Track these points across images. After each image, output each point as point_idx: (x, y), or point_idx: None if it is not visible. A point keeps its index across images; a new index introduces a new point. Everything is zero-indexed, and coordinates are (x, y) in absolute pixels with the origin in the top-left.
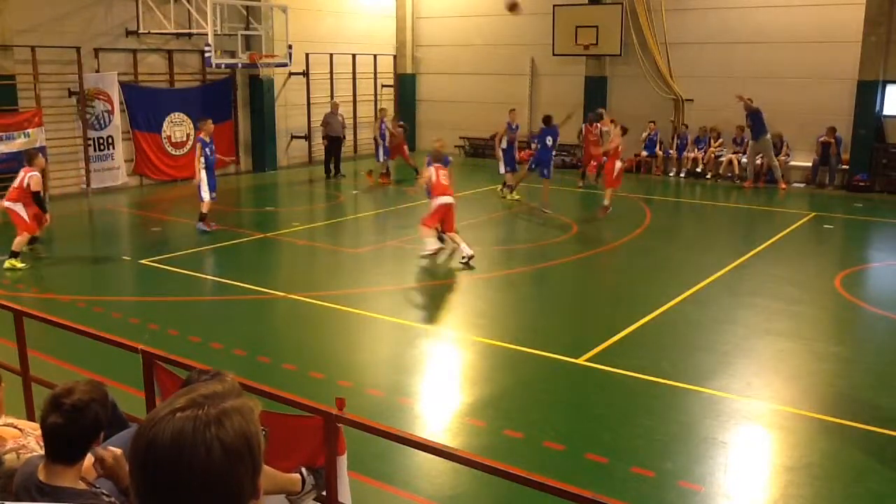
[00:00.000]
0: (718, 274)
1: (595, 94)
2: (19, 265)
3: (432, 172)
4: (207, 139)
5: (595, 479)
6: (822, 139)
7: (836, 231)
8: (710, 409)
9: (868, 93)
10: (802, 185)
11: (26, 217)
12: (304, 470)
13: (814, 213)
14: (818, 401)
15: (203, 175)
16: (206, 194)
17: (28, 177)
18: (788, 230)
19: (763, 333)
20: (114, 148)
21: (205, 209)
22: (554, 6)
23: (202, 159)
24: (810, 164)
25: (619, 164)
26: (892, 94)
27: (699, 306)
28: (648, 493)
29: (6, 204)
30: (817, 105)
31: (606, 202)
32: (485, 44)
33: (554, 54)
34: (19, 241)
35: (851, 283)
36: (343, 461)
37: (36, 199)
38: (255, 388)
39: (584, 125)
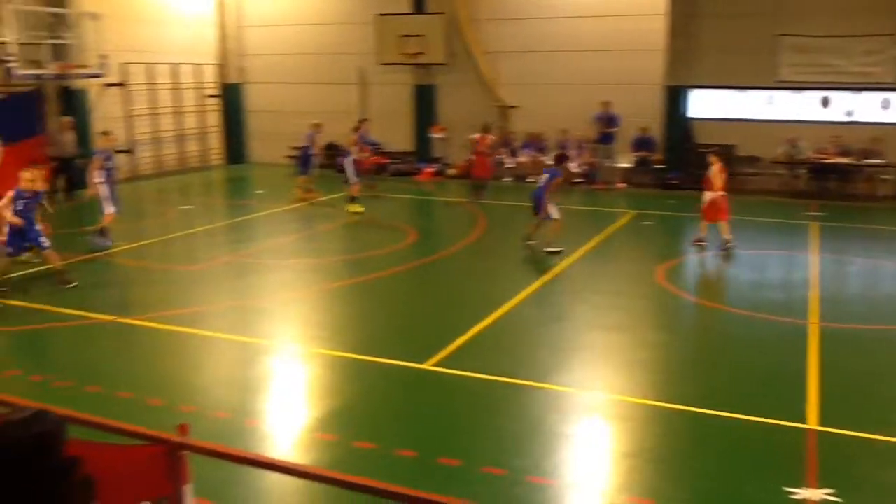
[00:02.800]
0: (552, 274)
1: (424, 101)
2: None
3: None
4: (111, 151)
5: (449, 482)
6: (639, 137)
7: (655, 227)
8: (553, 405)
9: (675, 97)
10: (624, 186)
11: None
12: None
13: (635, 212)
14: (650, 388)
15: (106, 189)
16: (111, 208)
17: None
18: (613, 228)
19: (596, 328)
20: None
21: (108, 222)
22: (375, 15)
23: (103, 172)
24: (631, 164)
25: (709, 196)
26: (694, 98)
27: (536, 306)
28: (501, 490)
29: None
30: (631, 109)
31: (727, 236)
32: (312, 52)
33: (379, 63)
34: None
35: (670, 275)
36: (189, 490)
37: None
38: (84, 419)
39: (476, 135)
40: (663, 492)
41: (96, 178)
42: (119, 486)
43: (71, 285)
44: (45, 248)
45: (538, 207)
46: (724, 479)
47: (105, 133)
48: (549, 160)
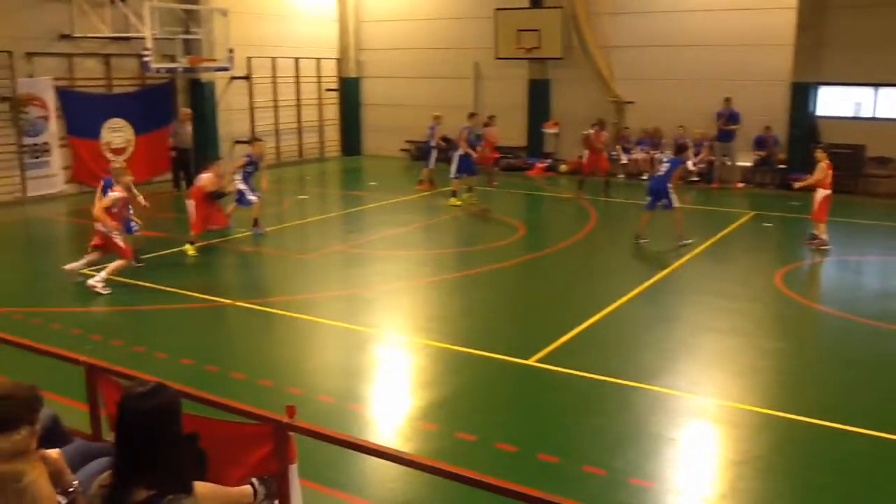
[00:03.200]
0: (663, 273)
1: (538, 96)
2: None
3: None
4: (258, 158)
5: (547, 479)
6: (761, 136)
7: (775, 229)
8: (658, 407)
9: (802, 94)
10: (742, 185)
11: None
12: (255, 481)
13: (754, 212)
14: (762, 395)
15: (242, 185)
16: (253, 196)
17: None
18: (730, 229)
19: (707, 330)
20: (50, 155)
21: (257, 212)
22: (495, 10)
23: (242, 172)
24: (751, 163)
25: (822, 193)
26: (824, 95)
27: (645, 305)
28: (600, 491)
29: None
30: (754, 106)
31: (824, 236)
32: (428, 47)
33: (496, 58)
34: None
35: (790, 279)
36: (294, 469)
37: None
38: (203, 397)
39: (591, 130)
40: (771, 502)
41: (235, 174)
42: (229, 461)
43: (140, 265)
44: (132, 232)
45: (656, 199)
46: (836, 494)
47: (256, 140)
48: (664, 157)
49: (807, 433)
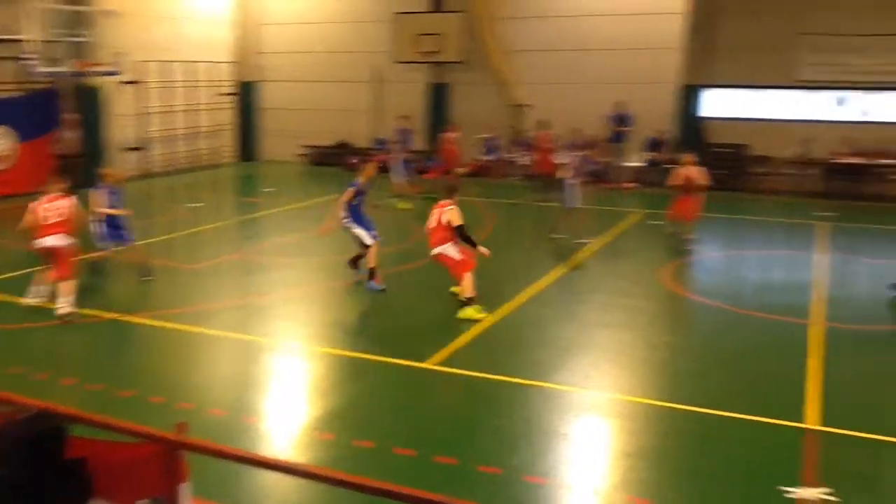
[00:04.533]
0: (558, 273)
1: (438, 100)
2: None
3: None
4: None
5: (445, 481)
6: (654, 138)
7: (663, 227)
8: (552, 403)
9: (689, 97)
10: (633, 185)
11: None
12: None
13: (644, 212)
14: (652, 387)
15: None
16: (369, 239)
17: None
18: (620, 228)
19: (599, 326)
20: None
21: (374, 261)
22: (395, 13)
23: (346, 204)
24: (642, 164)
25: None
26: (710, 97)
27: (541, 305)
28: (496, 490)
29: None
30: (644, 108)
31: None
32: (328, 51)
33: (395, 62)
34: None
35: (676, 275)
36: (185, 489)
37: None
38: (85, 417)
39: (539, 131)
40: (661, 491)
41: (341, 212)
42: (117, 483)
43: (148, 278)
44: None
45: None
46: (722, 479)
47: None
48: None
49: (692, 421)
